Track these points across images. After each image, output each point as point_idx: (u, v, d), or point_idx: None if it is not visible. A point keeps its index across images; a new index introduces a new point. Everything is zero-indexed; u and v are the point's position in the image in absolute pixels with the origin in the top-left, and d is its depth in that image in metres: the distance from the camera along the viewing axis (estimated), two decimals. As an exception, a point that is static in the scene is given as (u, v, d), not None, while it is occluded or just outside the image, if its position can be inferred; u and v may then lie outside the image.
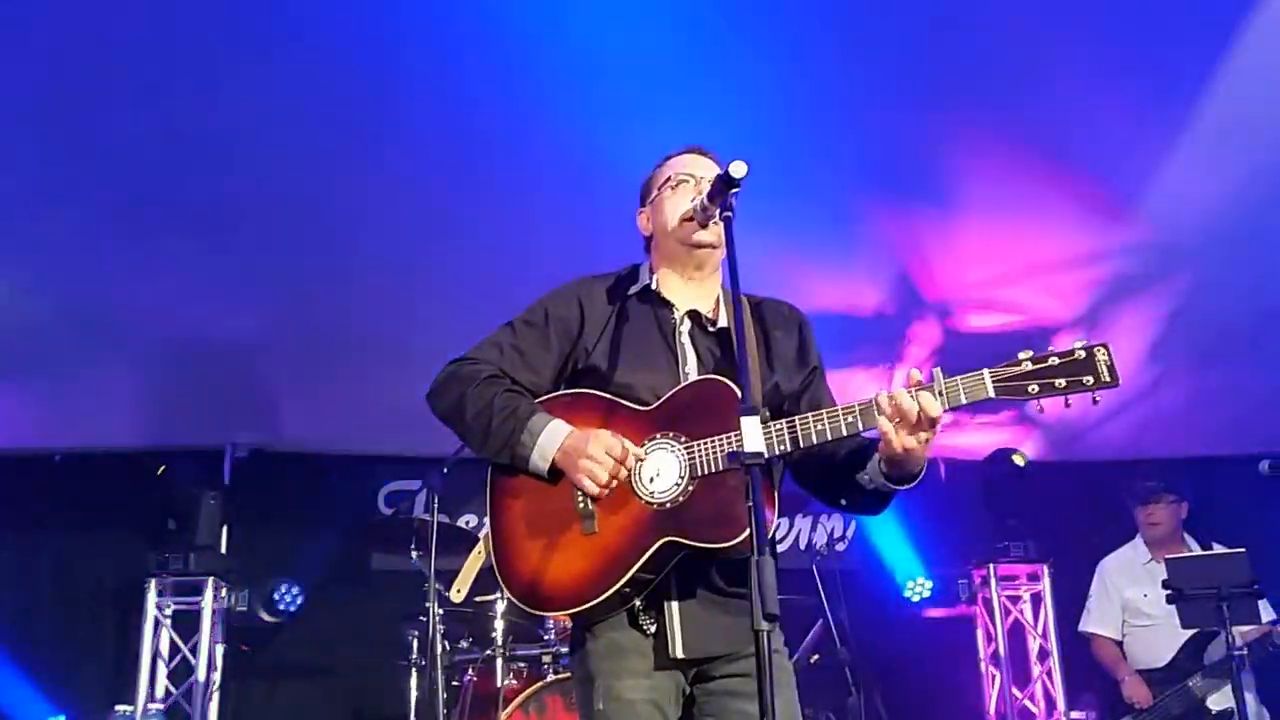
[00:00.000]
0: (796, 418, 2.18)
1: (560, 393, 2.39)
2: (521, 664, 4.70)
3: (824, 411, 2.17)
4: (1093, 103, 4.40)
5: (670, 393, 2.28)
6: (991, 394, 2.09)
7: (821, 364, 2.51)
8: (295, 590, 6.23)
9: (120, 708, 5.58)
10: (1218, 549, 5.00)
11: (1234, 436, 6.45)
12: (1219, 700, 4.72)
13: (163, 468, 6.05)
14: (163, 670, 5.93)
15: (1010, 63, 4.13)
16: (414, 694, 4.81)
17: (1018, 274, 5.34)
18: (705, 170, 2.42)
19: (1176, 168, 4.73)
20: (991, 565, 6.48)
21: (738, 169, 2.08)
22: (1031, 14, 3.87)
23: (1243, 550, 4.55)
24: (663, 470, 2.21)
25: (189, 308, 5.52)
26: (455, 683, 4.82)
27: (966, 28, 3.90)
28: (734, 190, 2.12)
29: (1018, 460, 6.34)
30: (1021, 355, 2.10)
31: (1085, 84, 4.31)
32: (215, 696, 5.94)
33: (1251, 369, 6.08)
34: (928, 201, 4.99)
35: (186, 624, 5.99)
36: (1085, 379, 2.07)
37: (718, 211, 2.19)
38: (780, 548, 6.80)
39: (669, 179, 2.46)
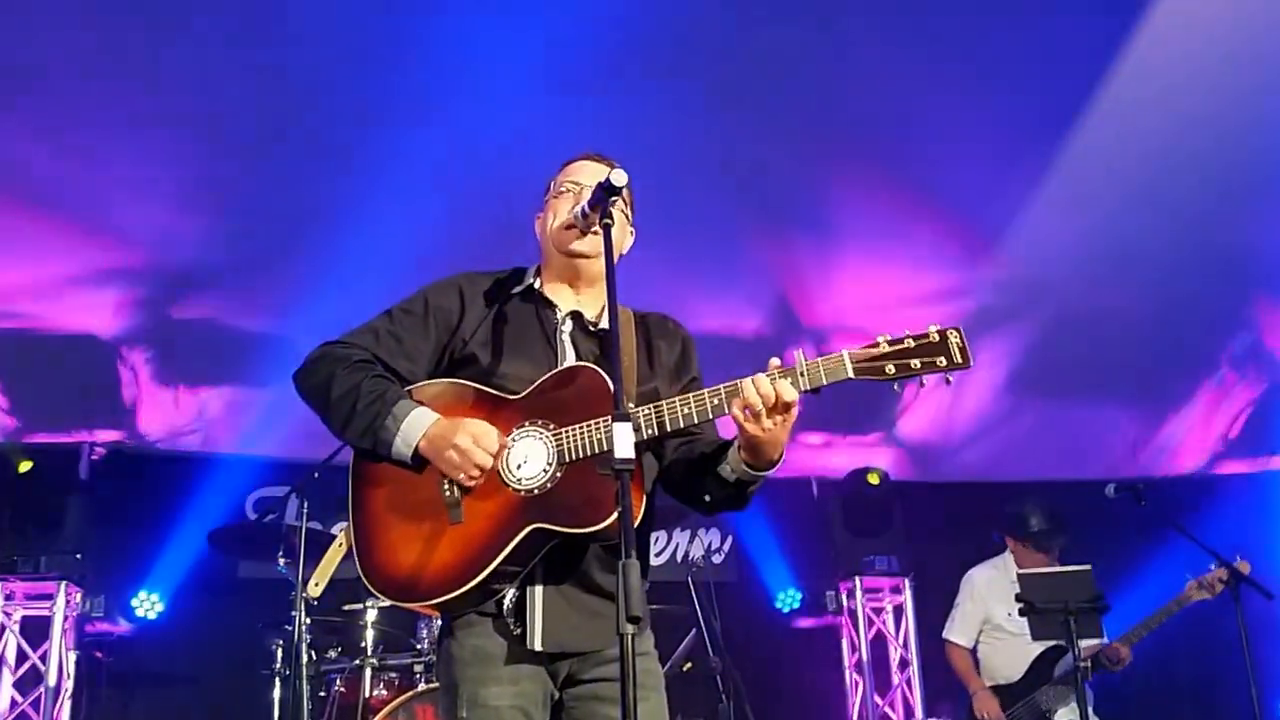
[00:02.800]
0: (664, 401, 2.18)
1: (430, 382, 2.34)
2: (392, 674, 4.60)
3: (690, 395, 2.17)
4: (962, 148, 4.64)
5: (539, 381, 2.26)
6: (851, 374, 2.11)
7: (701, 376, 2.53)
8: (155, 597, 5.99)
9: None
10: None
11: (1083, 461, 6.87)
12: (1066, 715, 4.92)
13: (29, 464, 5.66)
14: (8, 678, 5.62)
15: (887, 107, 4.32)
16: (277, 705, 4.67)
17: (889, 304, 5.55)
18: (594, 178, 2.39)
19: (1037, 212, 5.01)
20: (858, 578, 6.74)
21: (618, 177, 2.11)
22: (907, 63, 4.06)
23: (1088, 567, 4.81)
24: (531, 457, 2.19)
25: (40, 295, 5.29)
26: (322, 693, 4.70)
27: (845, 72, 4.06)
28: (614, 199, 2.14)
29: (871, 479, 6.58)
30: (879, 338, 2.14)
31: (956, 130, 4.53)
32: (66, 706, 5.65)
33: (1098, 400, 6.50)
34: (808, 233, 5.16)
35: (37, 631, 5.69)
36: (939, 360, 2.11)
37: (597, 219, 2.19)
38: (658, 560, 6.92)
39: (555, 186, 2.47)
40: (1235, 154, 5.01)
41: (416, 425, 2.21)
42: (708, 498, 2.36)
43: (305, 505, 4.59)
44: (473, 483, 2.18)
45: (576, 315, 2.42)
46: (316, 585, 2.36)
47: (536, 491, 2.16)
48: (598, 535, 2.10)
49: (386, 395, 2.25)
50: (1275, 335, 6.18)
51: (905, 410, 6.43)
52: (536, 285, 2.45)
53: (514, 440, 2.22)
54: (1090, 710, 4.93)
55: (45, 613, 5.66)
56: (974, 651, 5.37)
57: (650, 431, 2.17)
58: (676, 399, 2.17)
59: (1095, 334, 5.91)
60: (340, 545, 2.30)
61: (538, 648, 2.17)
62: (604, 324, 2.41)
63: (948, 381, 2.15)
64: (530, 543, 2.14)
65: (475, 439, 2.16)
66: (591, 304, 2.46)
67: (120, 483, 6.24)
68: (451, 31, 4.14)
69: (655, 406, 2.18)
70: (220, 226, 5.07)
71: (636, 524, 2.17)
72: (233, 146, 4.76)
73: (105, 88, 4.39)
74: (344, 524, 2.29)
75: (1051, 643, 4.85)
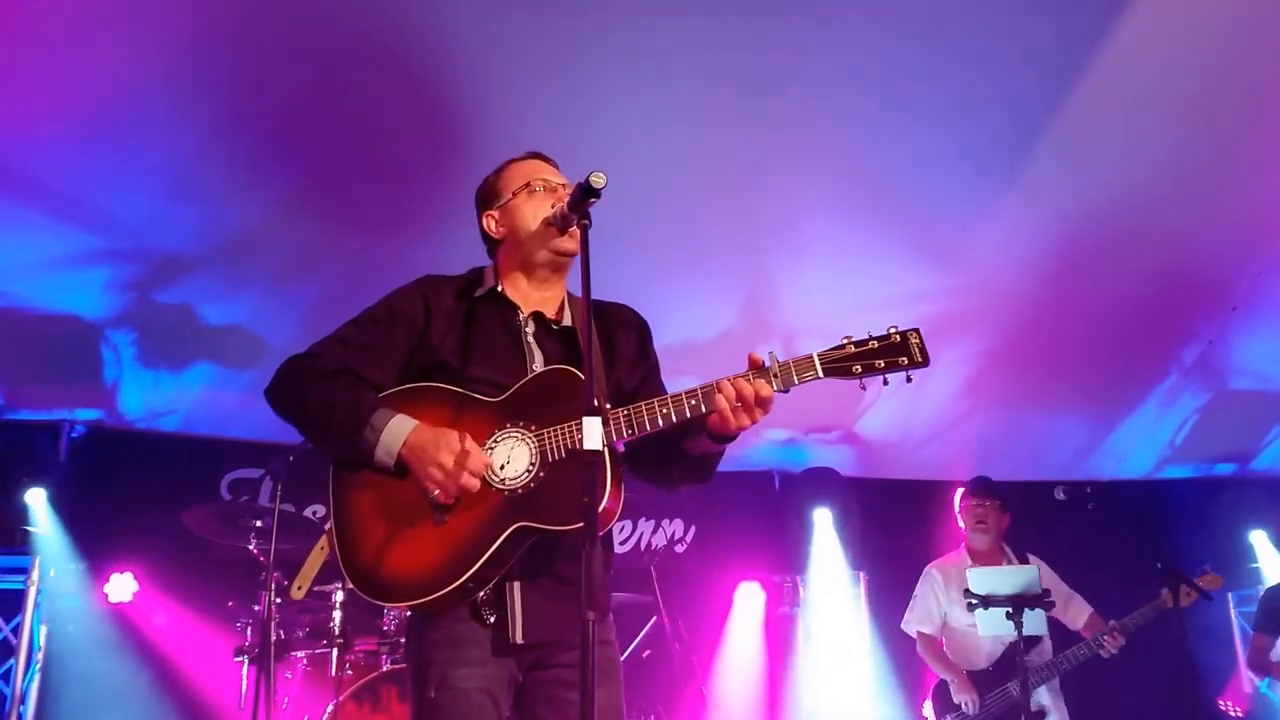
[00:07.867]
0: (643, 403, 2.22)
1: (406, 387, 2.36)
2: (359, 655, 4.70)
3: (669, 397, 2.22)
4: (927, 161, 4.77)
5: (518, 384, 2.31)
6: (820, 374, 2.22)
7: (657, 362, 2.61)
8: (128, 574, 6.06)
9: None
10: (1034, 561, 5.37)
11: (1035, 464, 7.07)
12: (1035, 703, 5.00)
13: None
14: (-22, 651, 5.69)
15: (854, 119, 4.43)
16: (245, 683, 4.75)
17: (853, 308, 5.63)
18: (556, 177, 2.49)
19: (996, 223, 5.16)
20: (815, 570, 6.91)
21: (598, 180, 2.13)
22: (873, 80, 4.19)
23: (1034, 566, 5.00)
24: (513, 458, 2.23)
25: (27, 276, 5.34)
26: (289, 673, 4.80)
27: (817, 86, 4.19)
28: (592, 200, 2.17)
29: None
30: (844, 339, 2.25)
31: (921, 143, 4.66)
32: (36, 680, 5.72)
33: (1050, 405, 6.68)
34: (778, 237, 5.27)
35: (10, 604, 5.75)
36: (900, 359, 2.23)
37: (576, 220, 2.23)
38: (622, 549, 7.06)
39: (527, 184, 2.48)
40: (1186, 171, 5.18)
41: (396, 433, 2.24)
42: (674, 472, 2.46)
43: (279, 488, 4.63)
44: (452, 500, 2.22)
45: (538, 315, 2.48)
46: (300, 589, 2.42)
47: (520, 491, 2.22)
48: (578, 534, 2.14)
49: (363, 404, 2.28)
50: (1223, 346, 6.38)
51: (866, 409, 6.59)
52: (498, 288, 2.49)
53: (496, 441, 2.27)
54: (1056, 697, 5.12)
55: (19, 586, 5.72)
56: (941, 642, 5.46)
57: (629, 433, 2.23)
58: (656, 401, 2.24)
59: (1049, 341, 6.09)
60: (323, 548, 2.34)
61: (519, 641, 2.23)
62: (566, 321, 2.49)
63: (909, 380, 2.27)
64: (513, 541, 2.20)
65: (459, 460, 2.20)
66: (551, 302, 2.51)
67: (98, 460, 6.31)
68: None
69: (634, 408, 2.22)
70: (206, 212, 5.13)
71: (615, 519, 2.25)
72: (220, 131, 4.81)
73: (95, 71, 4.44)
74: (316, 508, 2.37)
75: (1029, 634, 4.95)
